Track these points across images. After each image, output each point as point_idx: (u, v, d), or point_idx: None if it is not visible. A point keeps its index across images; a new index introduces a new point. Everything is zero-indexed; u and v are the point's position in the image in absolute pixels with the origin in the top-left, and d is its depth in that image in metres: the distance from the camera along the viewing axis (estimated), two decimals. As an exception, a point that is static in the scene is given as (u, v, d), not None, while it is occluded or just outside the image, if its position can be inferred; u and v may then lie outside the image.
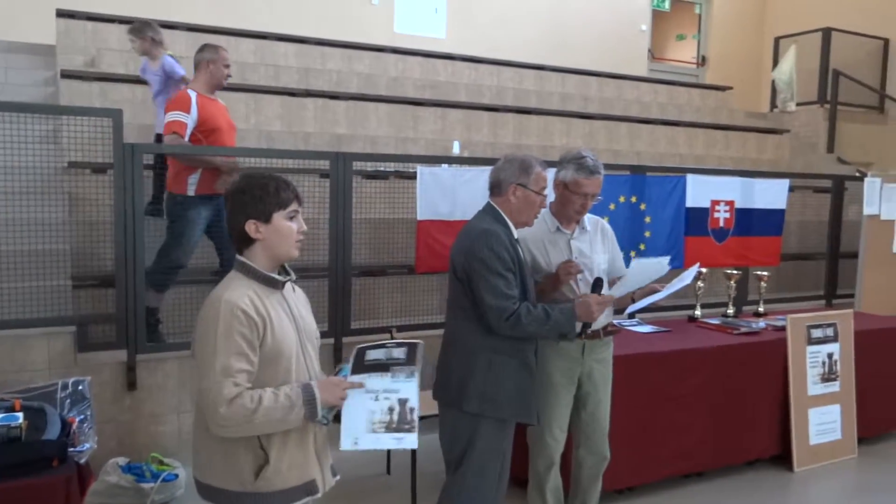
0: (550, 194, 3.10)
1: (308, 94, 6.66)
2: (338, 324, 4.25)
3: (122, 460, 3.68)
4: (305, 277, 4.45)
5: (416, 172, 4.34)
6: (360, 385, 2.10)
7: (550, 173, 3.03)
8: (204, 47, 4.55)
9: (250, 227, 2.05)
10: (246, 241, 2.08)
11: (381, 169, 5.19)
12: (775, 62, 10.13)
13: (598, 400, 3.26)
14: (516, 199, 2.82)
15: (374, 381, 2.08)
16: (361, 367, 2.13)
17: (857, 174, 6.10)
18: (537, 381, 2.99)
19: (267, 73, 6.90)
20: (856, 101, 9.91)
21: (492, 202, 2.89)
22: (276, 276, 2.10)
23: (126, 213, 3.72)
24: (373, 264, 4.96)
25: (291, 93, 6.59)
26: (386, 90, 7.36)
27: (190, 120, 4.16)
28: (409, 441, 2.06)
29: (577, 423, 3.29)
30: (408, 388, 2.10)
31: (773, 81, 10.03)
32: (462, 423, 2.79)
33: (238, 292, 2.01)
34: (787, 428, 4.34)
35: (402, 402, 2.09)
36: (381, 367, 2.09)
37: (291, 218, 2.10)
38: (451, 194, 4.39)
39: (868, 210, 5.93)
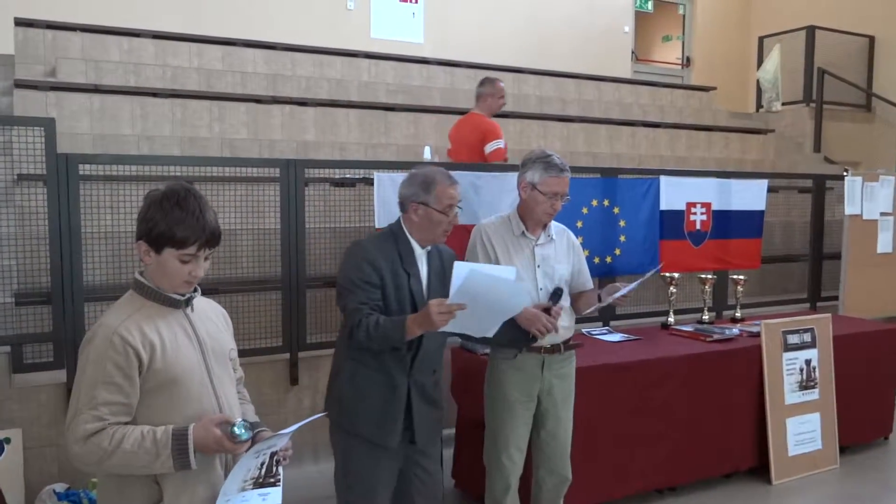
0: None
1: (275, 100, 6.49)
2: (292, 338, 4.07)
3: (59, 486, 3.50)
4: (260, 290, 4.32)
5: (385, 179, 4.17)
6: (241, 445, 1.82)
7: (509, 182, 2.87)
8: (484, 81, 5.52)
9: (141, 248, 1.86)
10: (143, 258, 1.90)
11: (349, 176, 5.03)
12: (760, 62, 9.99)
13: (558, 418, 3.09)
14: (418, 217, 2.68)
15: (263, 443, 1.86)
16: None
17: (844, 173, 5.94)
18: (492, 397, 2.84)
19: (234, 79, 6.74)
20: (842, 100, 9.77)
21: (400, 218, 2.76)
22: (175, 296, 1.91)
23: (62, 226, 3.54)
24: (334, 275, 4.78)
25: (258, 100, 6.42)
26: (357, 96, 7.20)
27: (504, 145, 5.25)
28: (273, 497, 1.86)
29: (537, 442, 3.12)
30: (281, 441, 1.91)
31: (758, 81, 9.89)
32: (335, 437, 2.74)
33: (123, 315, 1.83)
34: (765, 438, 4.16)
35: (272, 455, 1.90)
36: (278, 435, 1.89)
37: (184, 260, 1.86)
38: (412, 201, 4.22)
39: (850, 209, 5.77)
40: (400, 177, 4.29)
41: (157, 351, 1.82)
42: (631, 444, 3.75)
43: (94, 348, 1.78)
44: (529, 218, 3.03)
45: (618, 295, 2.98)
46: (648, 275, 3.18)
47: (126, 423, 1.79)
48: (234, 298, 4.23)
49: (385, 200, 4.14)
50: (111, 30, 6.86)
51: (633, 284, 3.05)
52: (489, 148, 5.37)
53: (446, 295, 2.42)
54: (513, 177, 4.40)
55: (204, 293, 2.03)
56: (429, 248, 2.75)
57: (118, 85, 6.03)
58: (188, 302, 1.93)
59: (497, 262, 2.96)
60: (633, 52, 11.14)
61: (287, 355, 4.08)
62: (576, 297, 3.16)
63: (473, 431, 3.73)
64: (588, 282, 3.18)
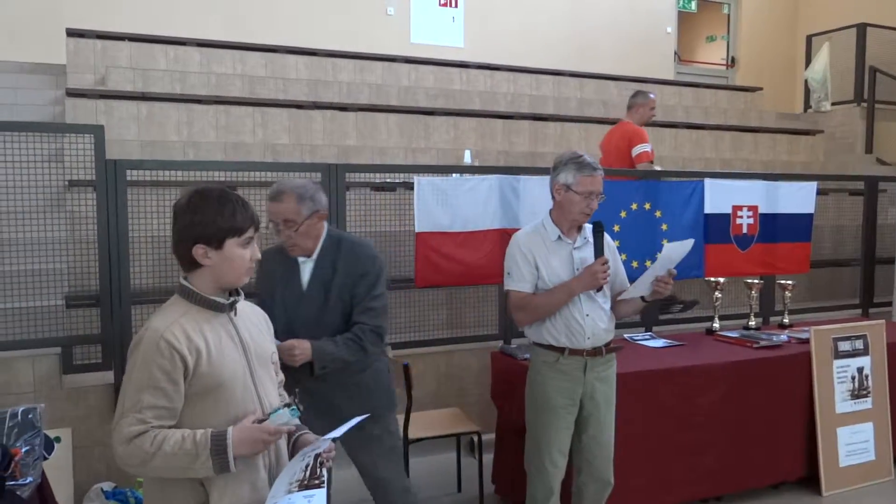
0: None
1: (316, 106, 6.57)
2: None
3: (107, 486, 3.58)
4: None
5: (423, 183, 4.18)
6: (287, 430, 1.87)
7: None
8: (637, 93, 5.80)
9: (198, 251, 1.88)
10: (192, 264, 1.91)
11: (389, 180, 5.06)
12: (808, 61, 9.74)
13: (600, 421, 3.05)
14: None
15: (310, 446, 1.89)
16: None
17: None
18: (534, 401, 2.93)
19: (276, 86, 6.84)
20: (895, 100, 9.46)
21: None
22: (220, 300, 1.93)
23: (110, 230, 3.63)
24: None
25: (299, 105, 6.51)
26: (397, 100, 7.24)
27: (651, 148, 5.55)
28: (318, 499, 1.87)
29: (578, 447, 3.08)
30: (325, 443, 1.92)
31: (806, 81, 9.64)
32: None
33: (169, 320, 1.85)
34: (815, 448, 4.03)
35: (317, 457, 1.91)
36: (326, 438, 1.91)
37: (246, 245, 1.92)
38: (451, 205, 4.22)
39: (904, 212, 5.58)
40: (440, 181, 4.34)
41: (202, 355, 1.84)
42: (675, 452, 3.67)
43: (141, 352, 1.81)
44: (564, 221, 3.00)
45: (654, 275, 2.93)
46: (682, 251, 3.05)
47: (170, 427, 1.82)
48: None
49: (425, 204, 4.15)
50: (158, 38, 7.04)
51: (656, 268, 2.96)
52: (635, 151, 5.53)
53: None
54: (549, 181, 4.41)
55: (249, 296, 2.06)
56: (315, 255, 2.80)
57: (165, 92, 6.18)
58: (232, 306, 1.96)
59: (538, 271, 2.96)
60: (675, 53, 10.98)
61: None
62: (616, 303, 3.11)
63: (514, 437, 3.70)
64: (626, 282, 3.14)
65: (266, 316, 2.15)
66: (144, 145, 5.47)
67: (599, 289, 2.95)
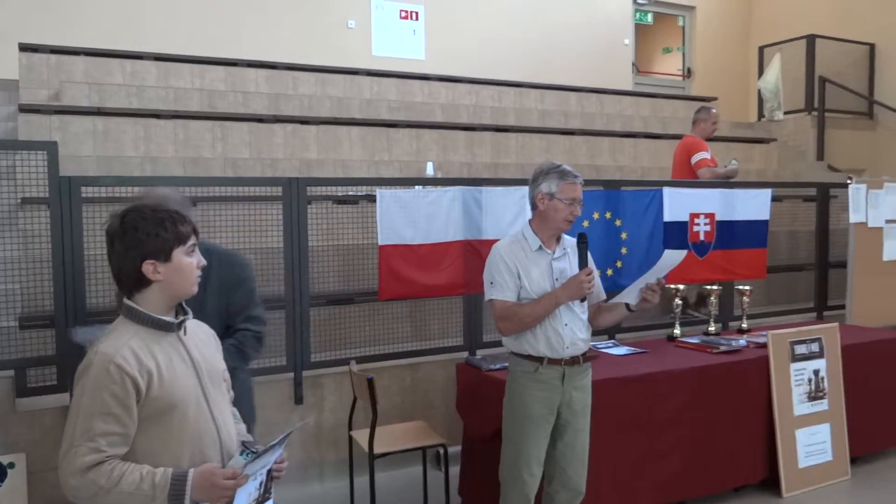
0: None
1: (277, 119, 6.53)
2: (297, 357, 4.06)
3: (64, 511, 3.47)
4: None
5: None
6: (245, 479, 1.81)
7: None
8: (700, 109, 6.31)
9: (148, 268, 1.85)
10: (139, 283, 1.87)
11: (351, 193, 5.04)
12: (760, 72, 10.00)
13: (577, 430, 3.08)
14: None
15: (254, 467, 1.84)
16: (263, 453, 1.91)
17: (848, 181, 5.92)
18: (513, 411, 2.94)
19: (236, 100, 6.78)
20: (844, 108, 9.76)
21: None
22: (169, 320, 1.89)
23: (64, 249, 3.55)
24: (342, 293, 4.79)
25: (260, 119, 6.46)
26: (359, 113, 7.23)
27: (710, 156, 5.95)
28: None
29: (552, 455, 3.08)
30: (274, 456, 1.91)
31: (759, 91, 9.89)
32: None
33: (118, 343, 1.81)
34: (775, 451, 4.11)
35: (269, 472, 1.90)
36: (267, 451, 1.87)
37: (191, 253, 1.92)
38: (414, 217, 4.22)
39: (854, 217, 5.73)
40: (403, 193, 4.34)
41: (154, 378, 1.80)
42: (640, 459, 3.71)
43: (91, 378, 1.76)
44: (547, 229, 3.03)
45: (645, 283, 3.00)
46: (676, 260, 3.12)
47: (124, 455, 1.77)
48: (238, 318, 4.24)
49: (388, 217, 4.15)
50: (114, 53, 6.93)
51: (648, 276, 3.02)
52: (694, 159, 6.02)
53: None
54: (515, 191, 4.45)
55: None
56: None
57: (121, 107, 6.08)
58: (181, 325, 1.92)
59: (520, 280, 2.98)
60: (634, 65, 11.17)
61: (291, 374, 4.07)
62: (595, 313, 3.14)
63: (480, 448, 3.71)
64: (602, 293, 3.18)
65: (214, 333, 2.12)
66: (101, 161, 5.37)
67: (583, 299, 2.99)
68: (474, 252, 4.32)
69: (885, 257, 5.89)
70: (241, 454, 1.86)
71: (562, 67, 9.91)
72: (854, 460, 4.40)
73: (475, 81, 8.68)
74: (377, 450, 3.45)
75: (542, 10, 10.13)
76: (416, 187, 4.55)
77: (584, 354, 3.07)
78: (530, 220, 3.09)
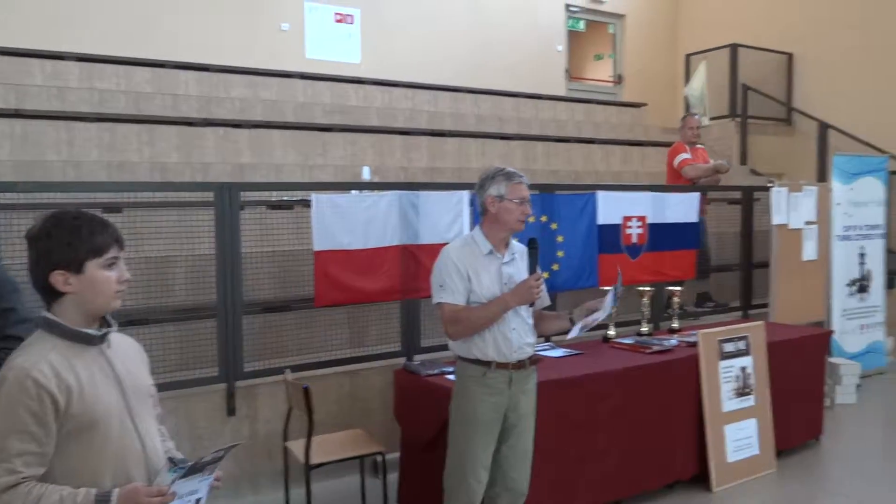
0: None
1: (208, 123, 6.37)
2: (229, 367, 3.95)
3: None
4: (194, 318, 4.20)
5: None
6: (173, 496, 1.74)
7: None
8: (684, 116, 6.92)
9: (56, 278, 1.75)
10: (52, 294, 1.78)
11: (286, 198, 4.96)
12: (687, 79, 10.32)
13: (521, 432, 3.10)
14: None
15: (183, 485, 1.77)
16: (192, 469, 1.83)
17: (769, 185, 6.17)
18: (461, 417, 2.93)
19: (164, 102, 6.58)
20: (765, 115, 10.17)
21: None
22: (90, 332, 1.80)
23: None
24: (277, 300, 4.70)
25: (190, 122, 6.28)
26: (293, 116, 7.12)
27: (689, 156, 6.43)
28: None
29: (496, 458, 3.08)
30: (204, 486, 1.84)
31: (686, 97, 10.21)
32: None
33: (35, 357, 1.71)
34: (705, 446, 4.23)
35: (197, 502, 1.83)
36: (198, 468, 1.80)
37: (110, 266, 1.80)
38: (351, 222, 4.17)
39: (777, 220, 5.98)
40: (338, 197, 4.29)
41: (73, 393, 1.71)
42: (577, 460, 3.76)
43: (5, 394, 1.67)
44: (500, 232, 3.05)
45: (593, 320, 3.07)
46: (619, 289, 3.20)
47: (42, 475, 1.68)
48: (168, 328, 4.11)
49: (324, 222, 4.09)
50: (33, 52, 6.62)
51: (608, 305, 3.11)
52: (676, 161, 6.47)
53: None
54: (451, 196, 4.46)
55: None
56: None
57: (41, 109, 5.81)
58: (104, 338, 1.84)
59: (470, 283, 2.98)
60: (566, 71, 11.36)
61: (224, 385, 3.96)
62: (538, 319, 3.17)
63: (420, 454, 3.69)
64: (546, 299, 3.21)
65: (140, 347, 2.03)
66: (19, 166, 5.12)
67: (532, 304, 3.01)
68: (412, 257, 4.31)
69: (805, 257, 6.17)
70: (168, 471, 1.79)
71: (497, 73, 10.00)
72: (779, 453, 4.57)
73: (411, 86, 8.68)
74: (313, 460, 3.39)
75: (476, 16, 10.20)
76: (353, 192, 4.51)
77: (530, 358, 3.10)
78: (480, 225, 3.10)
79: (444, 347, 4.17)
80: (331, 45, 9.30)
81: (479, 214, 3.11)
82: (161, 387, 3.20)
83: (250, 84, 7.60)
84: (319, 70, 8.55)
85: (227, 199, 3.94)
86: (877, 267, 6.79)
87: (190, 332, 4.13)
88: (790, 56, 10.64)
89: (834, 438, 5.04)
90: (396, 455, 3.93)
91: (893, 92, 9.44)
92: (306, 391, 3.35)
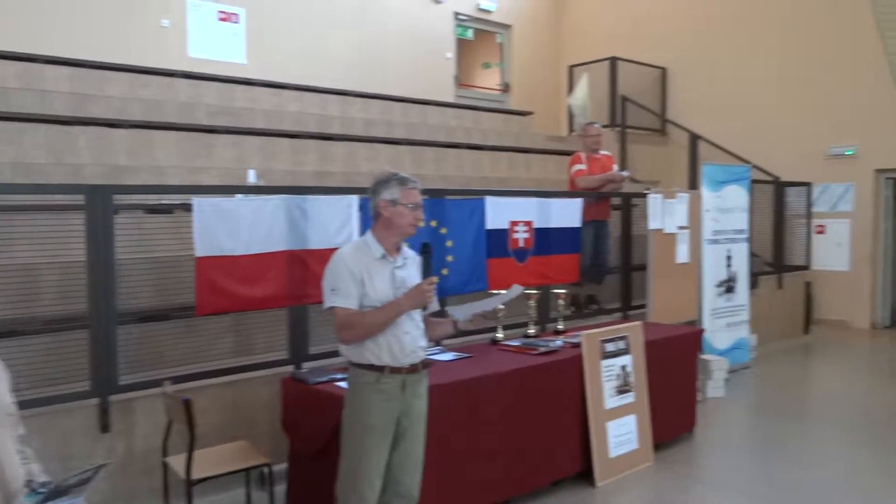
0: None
1: (81, 122, 5.99)
2: (102, 381, 3.73)
3: None
4: (65, 329, 3.94)
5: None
6: None
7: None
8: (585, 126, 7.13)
9: None
10: None
11: (165, 202, 4.73)
12: (571, 89, 10.72)
13: (414, 436, 3.09)
14: None
15: None
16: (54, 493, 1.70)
17: (646, 191, 6.50)
18: (354, 424, 2.90)
19: (32, 99, 6.15)
20: (642, 125, 10.74)
21: None
22: None
23: None
24: (156, 308, 4.47)
25: (61, 121, 5.90)
26: (175, 117, 6.84)
27: (584, 167, 6.69)
28: None
29: (388, 463, 3.06)
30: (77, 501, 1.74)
31: (570, 107, 10.60)
32: None
33: None
34: (589, 443, 4.39)
35: None
36: (62, 491, 1.69)
37: None
38: (235, 227, 4.04)
39: (653, 224, 6.30)
40: (222, 201, 4.14)
41: None
42: (466, 461, 3.80)
43: None
44: (392, 236, 3.04)
45: (474, 312, 3.14)
46: (505, 294, 3.31)
47: None
48: (35, 340, 3.84)
49: (206, 227, 3.94)
50: None
51: (486, 303, 3.18)
52: (571, 171, 6.75)
53: None
54: (341, 200, 4.41)
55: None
56: None
57: None
58: None
59: (364, 287, 2.95)
60: (455, 78, 11.53)
61: (97, 400, 3.73)
62: (427, 323, 3.18)
63: (309, 464, 3.62)
64: (436, 303, 3.22)
65: (4, 365, 1.88)
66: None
67: (425, 307, 3.02)
68: (300, 262, 4.23)
69: (678, 260, 6.54)
70: (26, 497, 1.66)
71: (386, 78, 10.01)
72: (656, 446, 4.81)
73: (300, 88, 8.54)
74: (195, 475, 3.25)
75: (366, 20, 10.18)
76: (238, 196, 4.37)
77: (422, 361, 3.11)
78: (372, 229, 3.09)
79: (334, 354, 4.12)
80: (215, 44, 9.00)
81: (372, 218, 3.10)
82: (27, 404, 3.00)
83: (129, 82, 7.24)
84: (203, 69, 8.26)
85: (98, 203, 3.72)
86: (742, 269, 7.30)
87: (60, 344, 3.87)
88: (664, 70, 11.29)
89: (706, 430, 5.37)
90: (284, 466, 3.83)
91: (755, 107, 10.21)
92: (187, 403, 3.21)
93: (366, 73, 9.85)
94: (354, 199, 4.44)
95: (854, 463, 4.82)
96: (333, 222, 4.38)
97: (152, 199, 4.68)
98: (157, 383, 3.75)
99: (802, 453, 4.95)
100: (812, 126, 9.74)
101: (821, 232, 9.66)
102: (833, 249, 9.62)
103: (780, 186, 8.79)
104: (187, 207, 4.28)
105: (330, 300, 2.97)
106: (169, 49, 8.43)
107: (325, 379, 3.70)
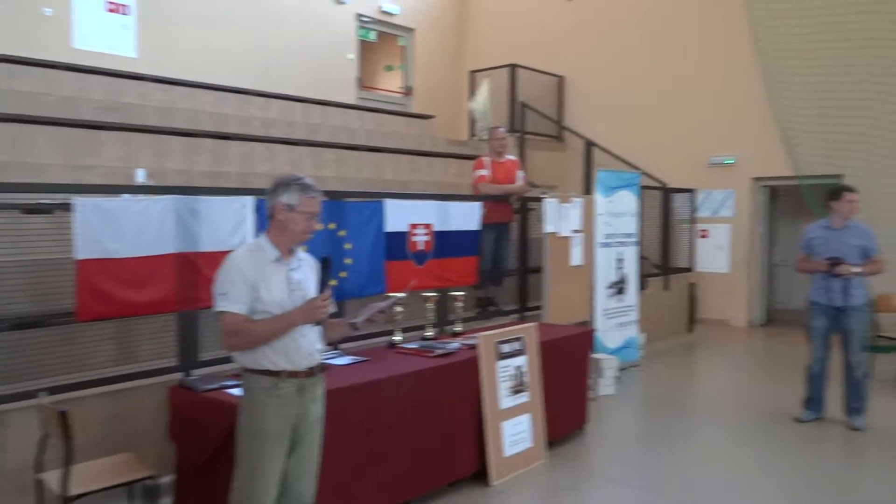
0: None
1: (-52, 114, 5.57)
2: (-29, 392, 3.47)
3: None
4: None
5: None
6: None
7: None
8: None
9: None
10: None
11: (44, 202, 4.45)
12: (472, 94, 10.89)
13: (311, 440, 3.06)
14: None
15: None
16: None
17: (542, 196, 6.68)
18: (251, 431, 2.84)
19: None
20: (541, 131, 11.03)
21: None
22: None
23: None
24: (31, 314, 4.20)
25: (-77, 113, 5.46)
26: (58, 112, 6.46)
27: (487, 173, 6.70)
28: None
29: (283, 470, 3.00)
30: None
31: (471, 111, 10.76)
32: None
33: None
34: (485, 443, 4.46)
35: None
36: None
37: None
38: (120, 229, 3.85)
39: (549, 228, 6.49)
40: (106, 202, 3.94)
41: None
42: (363, 465, 3.78)
43: None
44: (286, 241, 2.99)
45: (370, 312, 3.19)
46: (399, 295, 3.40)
47: None
48: None
49: (89, 228, 3.74)
50: None
51: (385, 304, 3.25)
52: (474, 176, 6.77)
53: None
54: (235, 201, 4.29)
55: None
56: None
57: None
58: None
59: (257, 290, 2.88)
60: (358, 79, 11.46)
61: (-37, 413, 3.47)
62: (324, 326, 3.14)
63: (198, 475, 3.51)
64: (332, 306, 3.19)
65: None
66: None
67: (318, 323, 2.97)
68: (190, 265, 4.09)
69: (572, 262, 6.76)
70: None
71: (286, 77, 9.83)
72: (550, 444, 4.94)
73: (194, 85, 8.25)
74: (72, 491, 3.07)
75: (265, 17, 9.96)
76: (124, 196, 4.17)
77: (319, 365, 3.07)
78: (267, 231, 3.03)
79: (226, 360, 4.01)
80: (102, 35, 8.57)
81: (267, 218, 3.04)
82: None
83: (5, 73, 6.77)
84: (89, 62, 7.84)
85: (-33, 202, 3.46)
86: (632, 271, 7.63)
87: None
88: (561, 78, 11.64)
89: (597, 426, 5.57)
90: (171, 478, 3.69)
91: (645, 117, 10.70)
92: (63, 416, 3.03)
93: (265, 71, 9.63)
94: (249, 201, 4.34)
95: (733, 453, 5.14)
96: (227, 224, 4.25)
97: (31, 199, 4.41)
98: (31, 395, 3.52)
99: (687, 446, 5.23)
100: (696, 136, 10.31)
101: (704, 236, 10.24)
102: (715, 252, 10.22)
103: (667, 192, 9.25)
104: (68, 207, 4.06)
105: (219, 304, 2.90)
106: (51, 39, 7.95)
107: (215, 386, 3.60)
